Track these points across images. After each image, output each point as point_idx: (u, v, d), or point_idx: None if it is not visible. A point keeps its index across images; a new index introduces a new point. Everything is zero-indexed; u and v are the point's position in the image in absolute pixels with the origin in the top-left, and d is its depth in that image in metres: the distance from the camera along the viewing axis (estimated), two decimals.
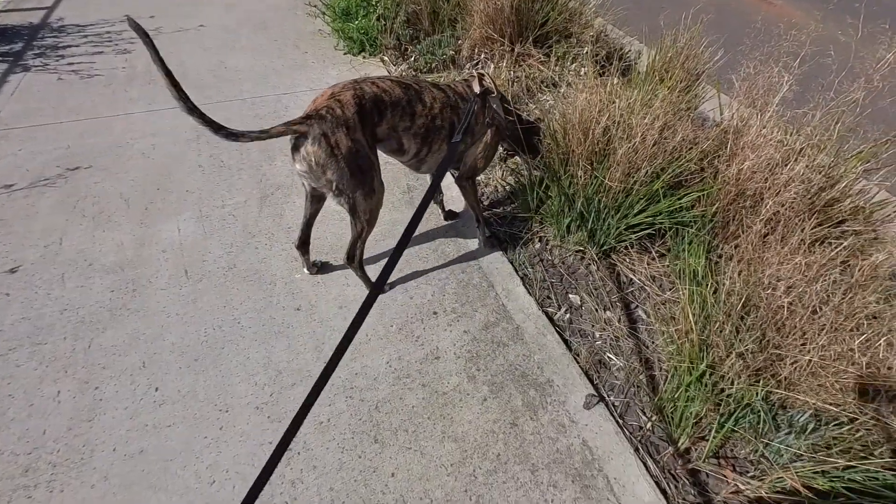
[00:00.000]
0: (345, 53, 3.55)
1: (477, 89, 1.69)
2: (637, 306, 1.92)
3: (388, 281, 1.93)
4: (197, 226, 2.13)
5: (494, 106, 1.74)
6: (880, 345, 1.03)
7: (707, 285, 1.44)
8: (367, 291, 1.87)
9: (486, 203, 2.34)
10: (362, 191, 1.50)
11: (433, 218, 2.24)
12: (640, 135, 1.62)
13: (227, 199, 2.27)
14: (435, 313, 1.86)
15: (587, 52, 2.91)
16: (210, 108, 2.88)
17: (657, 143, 1.66)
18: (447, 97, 1.64)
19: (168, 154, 2.52)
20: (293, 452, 1.43)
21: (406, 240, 1.09)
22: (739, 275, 1.31)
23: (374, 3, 3.35)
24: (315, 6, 3.70)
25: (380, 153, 1.63)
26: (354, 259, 1.73)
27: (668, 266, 1.83)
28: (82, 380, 1.57)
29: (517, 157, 2.15)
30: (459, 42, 3.29)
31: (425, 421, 1.53)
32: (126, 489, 1.32)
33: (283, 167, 2.48)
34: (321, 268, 1.94)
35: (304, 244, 1.80)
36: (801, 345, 1.13)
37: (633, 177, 1.68)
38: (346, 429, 1.49)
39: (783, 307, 1.15)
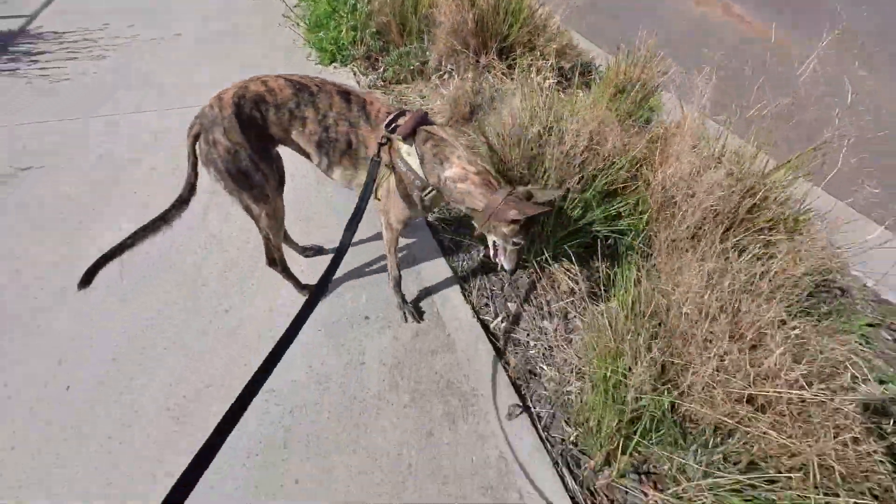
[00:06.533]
0: (316, 64, 3.66)
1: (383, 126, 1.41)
2: (576, 316, 1.93)
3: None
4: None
5: (404, 153, 1.43)
6: (773, 356, 1.02)
7: (629, 294, 1.45)
8: (299, 294, 1.90)
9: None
10: (250, 194, 1.48)
11: (375, 223, 2.26)
12: (570, 141, 1.65)
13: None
14: (367, 318, 1.87)
15: (551, 65, 2.98)
16: (171, 113, 2.97)
17: (588, 148, 1.69)
18: (348, 110, 1.44)
19: (122, 157, 2.59)
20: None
21: (339, 256, 1.06)
22: (650, 282, 1.32)
23: (345, 14, 3.47)
24: (289, 17, 3.84)
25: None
26: (274, 262, 1.75)
27: (608, 273, 1.84)
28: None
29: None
30: (428, 53, 3.39)
31: (339, 428, 1.52)
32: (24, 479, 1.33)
33: None
34: (318, 251, 2.05)
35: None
36: (700, 354, 1.13)
37: (567, 183, 1.71)
38: (254, 434, 1.48)
39: (682, 315, 1.16)
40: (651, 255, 1.71)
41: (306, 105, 1.43)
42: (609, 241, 1.84)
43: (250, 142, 1.40)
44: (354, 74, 3.52)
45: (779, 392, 0.97)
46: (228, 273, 1.98)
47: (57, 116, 2.85)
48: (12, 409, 1.51)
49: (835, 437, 0.93)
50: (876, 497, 0.96)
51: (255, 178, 1.46)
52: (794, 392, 0.96)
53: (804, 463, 0.96)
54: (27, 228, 2.13)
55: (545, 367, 1.75)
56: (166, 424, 1.49)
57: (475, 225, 1.53)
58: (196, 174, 1.44)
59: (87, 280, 1.30)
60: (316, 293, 0.99)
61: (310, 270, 2.00)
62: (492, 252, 1.59)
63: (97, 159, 2.56)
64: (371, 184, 1.35)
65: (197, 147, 1.41)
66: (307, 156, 1.56)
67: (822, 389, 0.96)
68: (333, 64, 3.60)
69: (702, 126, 1.58)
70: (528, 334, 1.87)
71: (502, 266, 1.57)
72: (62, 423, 1.48)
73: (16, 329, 1.73)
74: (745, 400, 1.04)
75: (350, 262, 2.05)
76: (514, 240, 1.44)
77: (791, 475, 0.95)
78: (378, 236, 2.16)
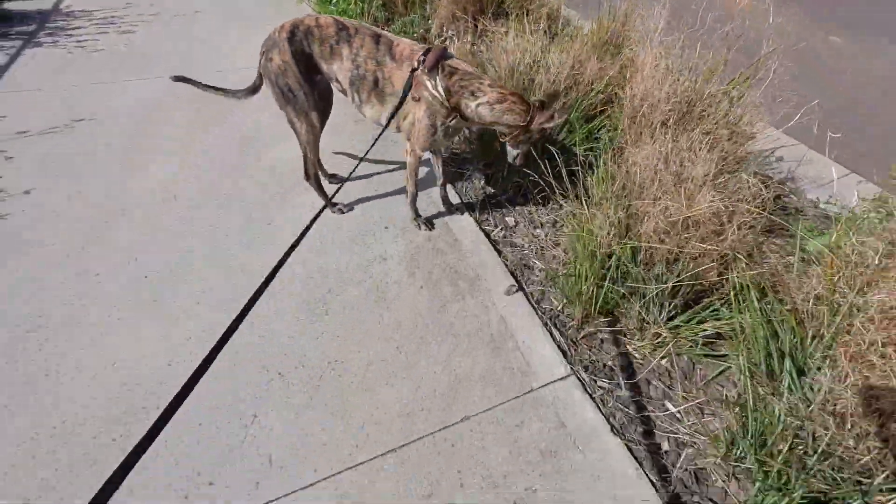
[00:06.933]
0: None
1: (413, 61, 1.66)
2: (563, 224, 2.28)
3: (349, 202, 2.31)
4: (183, 165, 2.53)
5: (429, 86, 1.67)
6: (702, 191, 1.38)
7: (605, 183, 1.80)
8: (328, 209, 2.25)
9: None
10: (293, 108, 1.82)
11: (397, 156, 2.61)
12: (555, 69, 2.00)
13: (210, 144, 2.68)
14: (386, 228, 2.23)
15: (542, 28, 3.33)
16: (209, 77, 3.31)
17: (570, 76, 2.04)
18: (376, 51, 1.69)
19: (158, 111, 2.94)
20: (256, 316, 1.78)
21: (355, 167, 1.35)
22: (618, 165, 1.68)
23: None
24: None
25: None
26: (309, 177, 2.11)
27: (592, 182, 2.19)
28: (81, 271, 1.95)
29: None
30: (430, 21, 3.74)
31: (368, 302, 1.88)
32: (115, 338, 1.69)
33: (260, 119, 2.88)
34: (342, 179, 2.38)
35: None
36: (653, 205, 1.49)
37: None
38: (302, 306, 1.84)
39: (639, 179, 1.51)
40: (624, 152, 2.06)
41: (344, 42, 1.73)
42: (589, 159, 2.20)
43: (298, 65, 1.75)
44: None
45: (701, 209, 1.33)
46: (265, 196, 2.34)
47: (99, 80, 3.20)
48: (105, 291, 1.86)
49: (737, 230, 1.30)
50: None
51: (299, 96, 1.81)
52: (712, 203, 1.32)
53: (724, 264, 1.32)
54: (88, 163, 2.49)
55: (536, 262, 2.12)
56: (228, 298, 1.85)
57: (505, 138, 1.85)
58: (261, 80, 1.82)
59: (178, 80, 1.86)
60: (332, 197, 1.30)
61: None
62: (511, 156, 1.94)
63: (140, 114, 2.92)
64: (408, 91, 1.66)
65: (261, 61, 1.77)
66: (344, 93, 1.87)
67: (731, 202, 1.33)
68: None
69: (661, 47, 1.93)
70: (522, 239, 2.23)
71: (521, 164, 1.95)
72: (142, 301, 1.84)
73: (91, 239, 2.08)
74: (681, 224, 1.40)
75: (371, 188, 2.41)
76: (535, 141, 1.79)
77: (711, 266, 1.32)
78: (394, 168, 2.52)
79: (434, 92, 1.70)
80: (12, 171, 2.41)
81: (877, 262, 1.14)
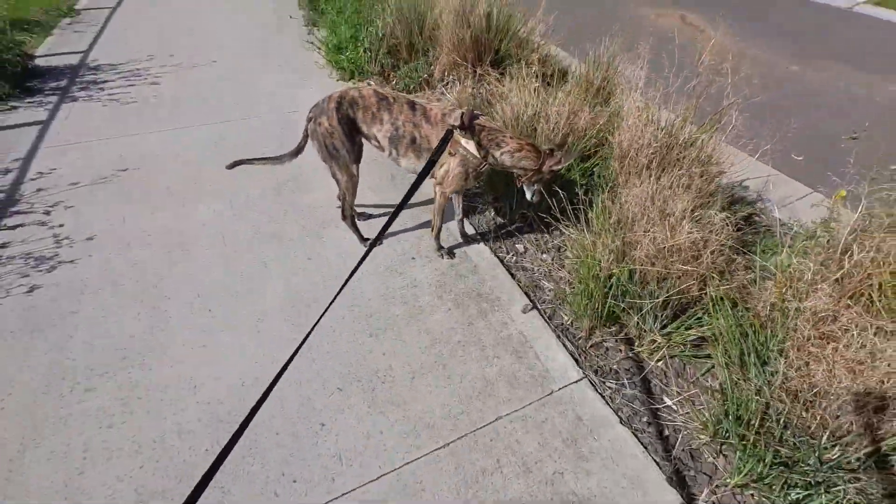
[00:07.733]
0: (337, 81, 4.41)
1: (451, 122, 1.99)
2: (567, 250, 2.65)
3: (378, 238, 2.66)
4: (226, 207, 2.86)
5: (464, 143, 2.02)
6: (680, 224, 1.76)
7: (602, 217, 2.18)
8: (360, 245, 2.59)
9: None
10: (336, 164, 2.18)
11: (417, 195, 2.97)
12: (553, 119, 2.40)
13: (249, 189, 3.02)
14: (413, 258, 2.57)
15: (534, 72, 3.77)
16: (235, 123, 3.67)
17: (568, 123, 2.44)
18: (413, 115, 2.05)
19: (197, 158, 3.28)
20: (312, 345, 2.09)
21: (397, 212, 1.66)
22: (613, 201, 2.06)
23: (361, 38, 4.25)
24: (312, 43, 4.60)
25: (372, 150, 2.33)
26: (345, 217, 2.46)
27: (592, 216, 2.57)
28: (152, 305, 2.25)
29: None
30: (432, 67, 4.17)
31: (405, 323, 2.21)
32: (190, 365, 1.98)
33: (290, 168, 3.22)
34: (368, 216, 2.76)
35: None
36: (643, 236, 1.86)
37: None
38: (350, 329, 2.16)
39: (631, 214, 1.89)
40: (616, 190, 2.45)
41: (384, 110, 2.11)
42: (590, 197, 2.59)
43: (343, 128, 2.12)
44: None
45: (682, 239, 1.70)
46: (305, 236, 2.67)
47: (136, 131, 3.54)
48: (175, 324, 2.16)
49: (710, 254, 1.67)
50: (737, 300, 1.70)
51: (342, 153, 2.18)
52: (690, 234, 1.69)
53: (703, 282, 1.69)
54: (140, 210, 2.80)
55: (546, 283, 2.47)
56: (284, 326, 2.16)
57: (521, 180, 2.24)
58: (305, 142, 2.18)
59: (232, 166, 2.23)
60: (376, 236, 1.61)
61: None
62: (528, 194, 2.31)
63: (179, 162, 3.25)
64: (443, 147, 1.96)
65: (309, 125, 2.14)
66: (382, 149, 2.23)
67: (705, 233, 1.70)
68: (352, 80, 4.35)
69: (643, 100, 2.34)
70: (531, 263, 2.59)
71: (537, 201, 2.32)
72: (209, 330, 2.14)
73: (155, 278, 2.39)
74: (667, 250, 1.76)
75: (396, 224, 2.74)
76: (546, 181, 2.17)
77: (692, 283, 1.68)
78: (413, 206, 2.88)
79: (468, 148, 2.07)
80: (73, 220, 2.72)
81: (809, 278, 1.51)
